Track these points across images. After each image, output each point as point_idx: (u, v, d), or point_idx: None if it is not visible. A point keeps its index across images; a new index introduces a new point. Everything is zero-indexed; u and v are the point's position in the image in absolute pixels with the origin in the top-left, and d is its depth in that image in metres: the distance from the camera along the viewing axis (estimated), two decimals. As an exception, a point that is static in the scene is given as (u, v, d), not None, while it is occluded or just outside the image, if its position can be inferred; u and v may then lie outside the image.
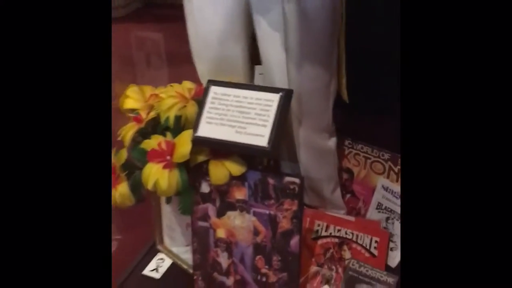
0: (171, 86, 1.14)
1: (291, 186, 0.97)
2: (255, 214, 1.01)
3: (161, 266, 1.21)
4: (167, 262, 1.21)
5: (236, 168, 0.99)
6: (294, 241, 0.99)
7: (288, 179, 0.97)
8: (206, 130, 1.00)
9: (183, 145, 0.99)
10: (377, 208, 1.23)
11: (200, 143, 0.99)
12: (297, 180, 0.97)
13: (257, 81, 1.20)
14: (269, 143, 0.94)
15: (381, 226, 1.19)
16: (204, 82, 1.11)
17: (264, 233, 1.01)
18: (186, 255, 1.17)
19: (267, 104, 0.97)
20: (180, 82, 1.15)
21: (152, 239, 1.25)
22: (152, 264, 1.21)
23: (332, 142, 1.18)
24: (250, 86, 1.05)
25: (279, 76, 1.07)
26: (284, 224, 0.99)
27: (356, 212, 1.26)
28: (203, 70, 1.17)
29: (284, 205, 0.98)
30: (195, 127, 1.00)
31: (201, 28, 1.10)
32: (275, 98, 0.97)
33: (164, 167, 0.98)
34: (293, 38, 1.02)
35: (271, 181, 0.98)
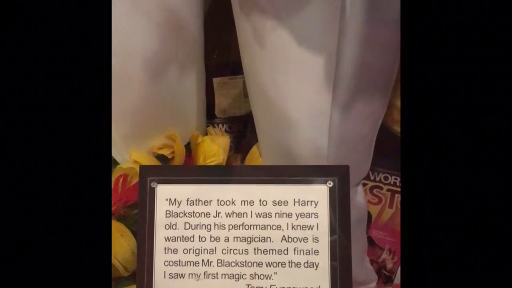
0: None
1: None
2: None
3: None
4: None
5: None
6: None
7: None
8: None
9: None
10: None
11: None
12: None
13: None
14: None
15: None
16: (119, 153, 0.66)
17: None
18: None
19: (307, 213, 0.49)
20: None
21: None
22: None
23: (362, 197, 0.79)
24: (259, 169, 0.50)
25: (305, 131, 0.64)
26: None
27: (379, 266, 1.00)
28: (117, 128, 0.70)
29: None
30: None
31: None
32: (320, 192, 0.48)
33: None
34: (351, 59, 0.60)
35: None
